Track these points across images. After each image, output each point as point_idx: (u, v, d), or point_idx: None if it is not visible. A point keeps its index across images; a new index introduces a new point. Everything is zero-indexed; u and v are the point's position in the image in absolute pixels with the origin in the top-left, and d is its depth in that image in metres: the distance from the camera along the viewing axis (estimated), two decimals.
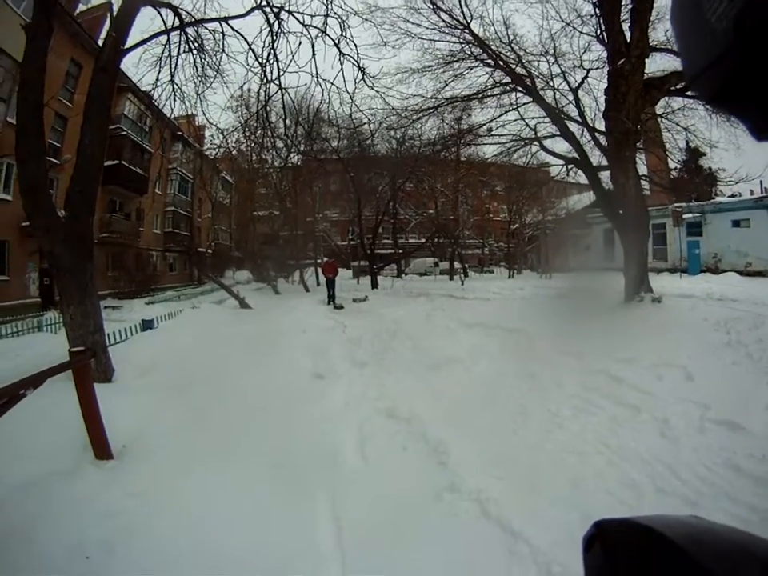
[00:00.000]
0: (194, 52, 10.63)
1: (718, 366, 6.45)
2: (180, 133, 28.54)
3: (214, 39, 10.63)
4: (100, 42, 19.61)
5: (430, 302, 16.61)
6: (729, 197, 23.94)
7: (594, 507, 3.73)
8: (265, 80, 11.11)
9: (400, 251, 37.89)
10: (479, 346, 9.41)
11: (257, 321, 14.32)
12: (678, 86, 11.89)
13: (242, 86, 12.08)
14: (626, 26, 11.05)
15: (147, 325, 11.94)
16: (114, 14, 8.26)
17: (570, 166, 15.05)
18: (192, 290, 30.75)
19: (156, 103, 11.14)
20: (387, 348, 10.03)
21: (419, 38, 14.79)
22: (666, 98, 13.33)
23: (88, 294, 7.49)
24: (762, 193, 23.73)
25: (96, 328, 7.54)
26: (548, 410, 6.08)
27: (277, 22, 10.28)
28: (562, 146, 15.81)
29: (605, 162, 13.45)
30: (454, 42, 14.72)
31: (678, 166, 18.15)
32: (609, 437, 5.19)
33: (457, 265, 35.76)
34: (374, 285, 26.96)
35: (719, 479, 4.13)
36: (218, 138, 16.15)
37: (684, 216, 21.48)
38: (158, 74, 10.56)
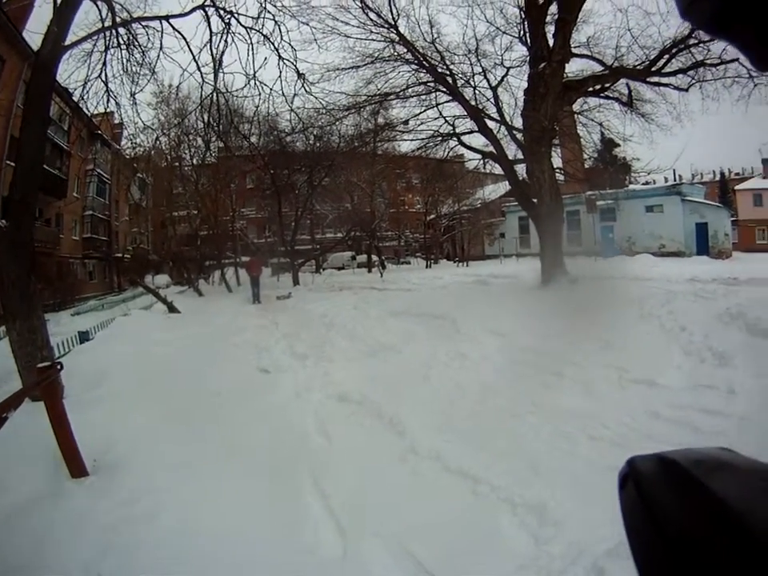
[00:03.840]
0: (128, 49, 10.01)
1: (633, 336, 7.24)
2: (99, 132, 27.31)
3: (147, 36, 10.05)
4: (25, 35, 18.32)
5: (354, 294, 16.84)
6: (642, 184, 25.61)
7: (534, 455, 4.34)
8: (203, 80, 10.86)
9: (317, 246, 38.00)
10: (409, 331, 9.88)
11: (190, 324, 14.08)
12: (595, 88, 12.73)
13: (179, 84, 11.48)
14: (549, 31, 11.63)
15: (84, 337, 11.29)
16: (57, 7, 7.55)
17: (486, 160, 15.68)
18: (113, 297, 29.23)
19: (83, 102, 10.31)
20: (324, 340, 10.27)
21: (346, 36, 14.81)
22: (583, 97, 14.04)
23: (33, 307, 7.01)
24: (674, 181, 25.74)
25: (44, 343, 7.04)
26: (481, 382, 6.62)
27: (221, 21, 10.10)
28: (479, 140, 16.31)
29: (521, 156, 13.99)
30: (380, 41, 14.89)
31: (593, 156, 19.05)
32: (539, 399, 5.76)
33: (374, 257, 36.25)
34: (296, 281, 26.95)
35: (641, 425, 4.83)
36: (138, 136, 15.36)
37: (598, 203, 22.88)
38: (88, 70, 9.79)
